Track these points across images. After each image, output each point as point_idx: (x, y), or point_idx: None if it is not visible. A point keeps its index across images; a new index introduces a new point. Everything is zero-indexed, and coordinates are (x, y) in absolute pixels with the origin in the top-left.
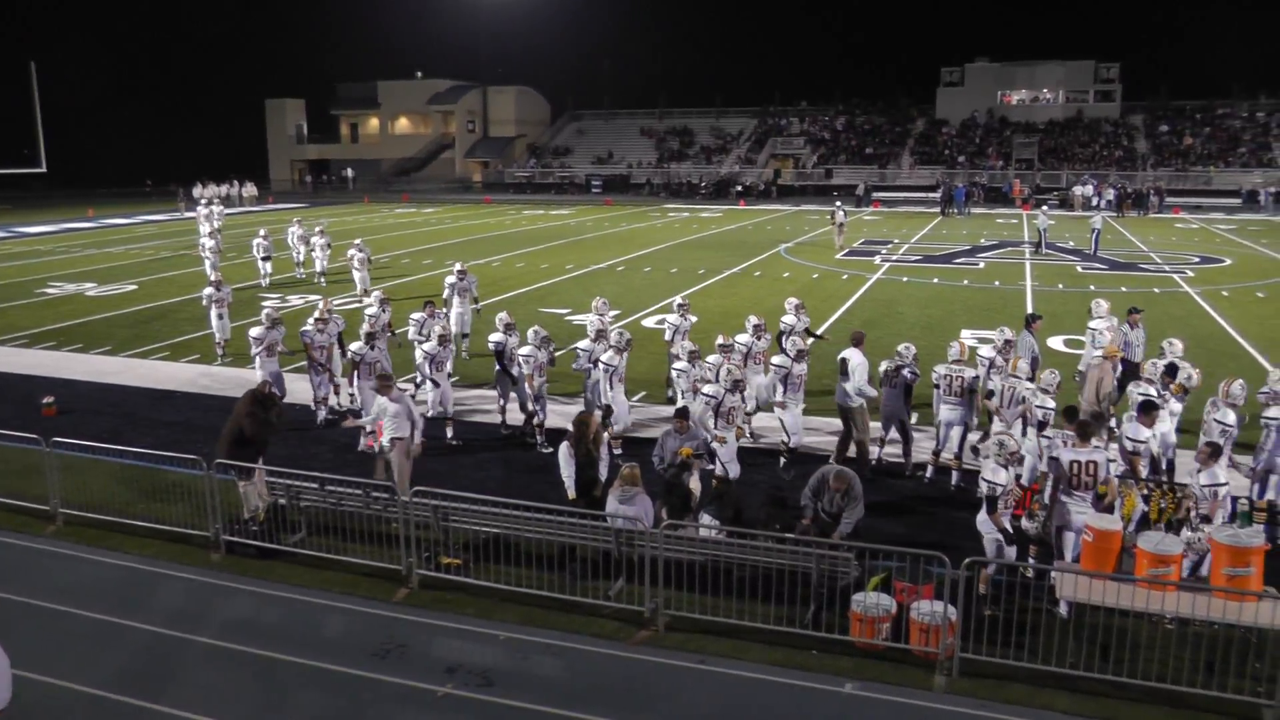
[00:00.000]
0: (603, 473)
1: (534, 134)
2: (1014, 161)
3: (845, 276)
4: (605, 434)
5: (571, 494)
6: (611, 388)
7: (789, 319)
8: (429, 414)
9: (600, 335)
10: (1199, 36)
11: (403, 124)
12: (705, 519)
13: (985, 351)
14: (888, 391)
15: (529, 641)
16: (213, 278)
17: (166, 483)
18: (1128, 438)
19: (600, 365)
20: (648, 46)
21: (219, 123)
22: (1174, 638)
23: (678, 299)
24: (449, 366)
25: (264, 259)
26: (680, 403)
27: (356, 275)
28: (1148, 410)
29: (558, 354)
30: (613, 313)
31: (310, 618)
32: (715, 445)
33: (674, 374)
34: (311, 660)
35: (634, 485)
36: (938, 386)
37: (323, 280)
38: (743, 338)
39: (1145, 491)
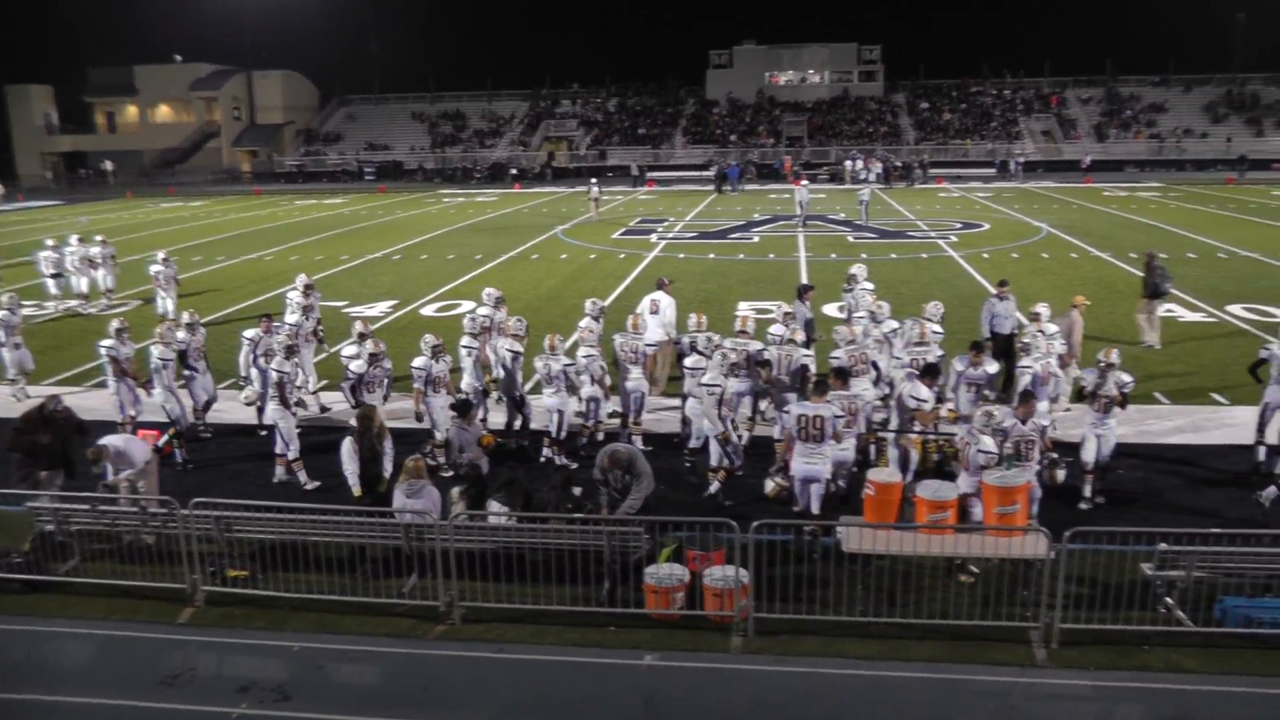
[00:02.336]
0: (387, 468)
1: (303, 120)
2: (784, 139)
3: (622, 255)
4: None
5: (357, 491)
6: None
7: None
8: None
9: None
10: (952, 21)
11: (164, 112)
12: (494, 506)
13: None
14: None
15: (324, 649)
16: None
17: None
18: (910, 396)
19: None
20: (416, 28)
21: None
22: (953, 575)
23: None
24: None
25: (53, 276)
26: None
27: (162, 296)
28: (930, 373)
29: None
30: (390, 302)
31: (88, 651)
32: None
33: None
34: (91, 698)
35: (419, 478)
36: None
37: (111, 303)
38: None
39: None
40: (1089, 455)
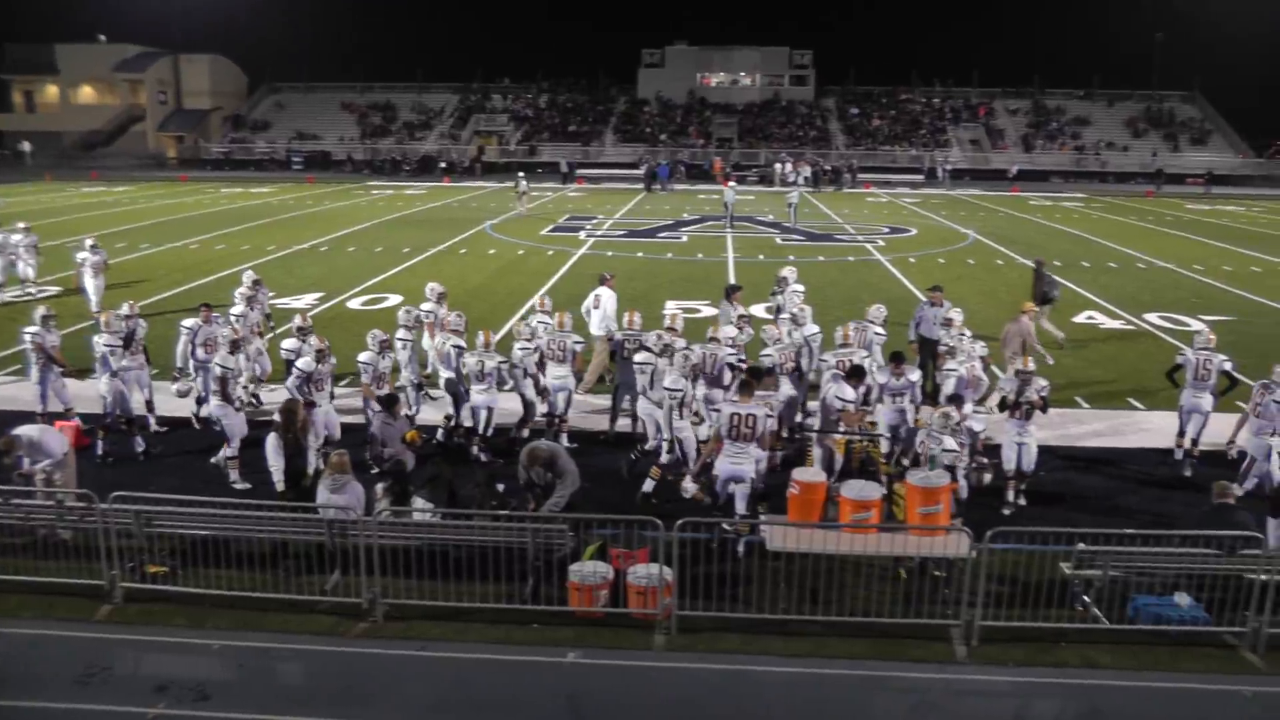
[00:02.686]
0: (312, 462)
1: (231, 107)
2: (714, 140)
3: (550, 252)
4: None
5: (280, 486)
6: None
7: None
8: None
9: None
10: (883, 29)
11: (86, 93)
12: (419, 502)
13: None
14: (622, 364)
15: (245, 647)
16: None
17: None
18: (835, 396)
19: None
20: (346, 16)
21: None
22: (876, 575)
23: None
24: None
25: None
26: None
27: (90, 285)
28: (857, 374)
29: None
30: (316, 295)
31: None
32: (681, 436)
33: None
34: (2, 700)
35: (344, 473)
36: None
37: (34, 290)
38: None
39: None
40: (1010, 463)
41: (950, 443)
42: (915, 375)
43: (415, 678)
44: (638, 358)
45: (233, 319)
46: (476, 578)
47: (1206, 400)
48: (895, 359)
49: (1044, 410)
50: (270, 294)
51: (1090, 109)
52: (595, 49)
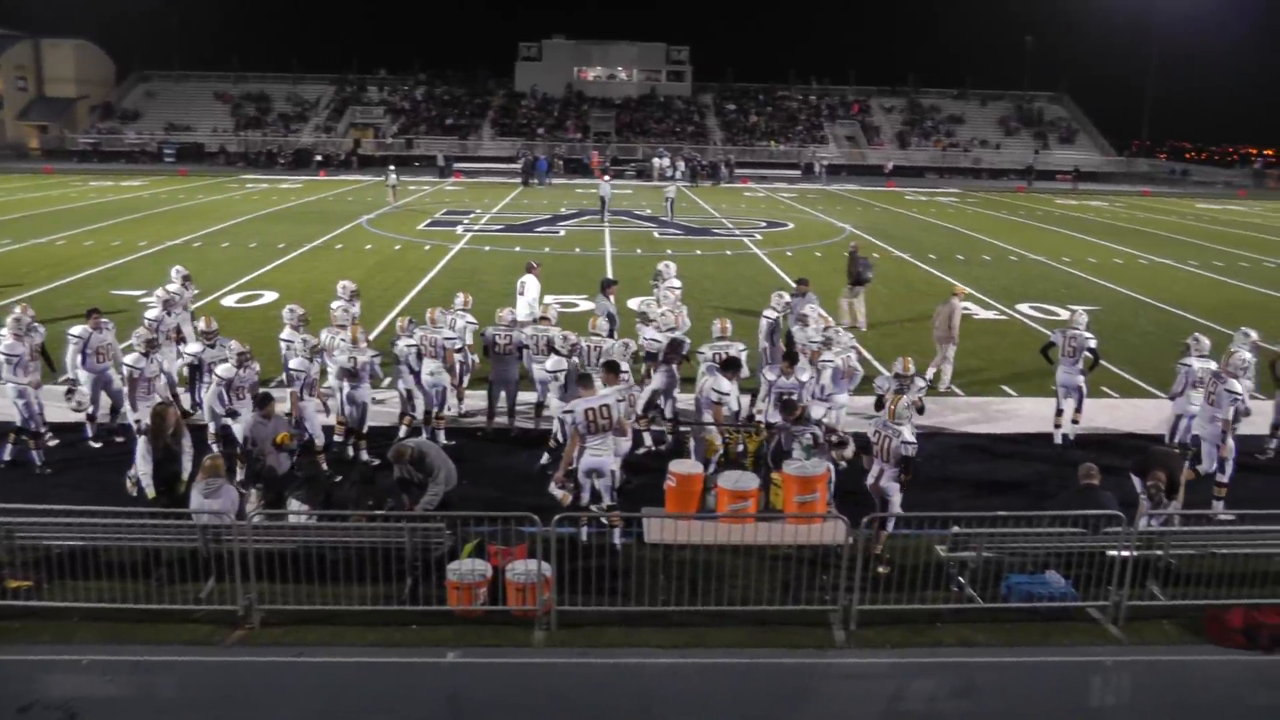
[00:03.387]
0: (186, 466)
1: (98, 95)
2: (592, 134)
3: (428, 247)
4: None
5: (151, 493)
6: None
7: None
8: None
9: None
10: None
11: None
12: (294, 504)
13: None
14: (496, 359)
15: (115, 661)
16: None
17: None
18: (711, 389)
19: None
20: (219, 2)
21: None
22: (755, 564)
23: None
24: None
25: None
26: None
27: None
28: (731, 366)
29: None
30: (191, 291)
31: None
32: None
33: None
34: None
35: (218, 476)
36: (526, 347)
37: None
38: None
39: (725, 436)
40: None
41: (909, 434)
42: (806, 375)
43: (293, 685)
44: (549, 363)
45: (146, 322)
46: (354, 580)
47: (1078, 377)
48: (788, 358)
49: (920, 412)
50: (195, 290)
51: (964, 108)
52: (472, 41)
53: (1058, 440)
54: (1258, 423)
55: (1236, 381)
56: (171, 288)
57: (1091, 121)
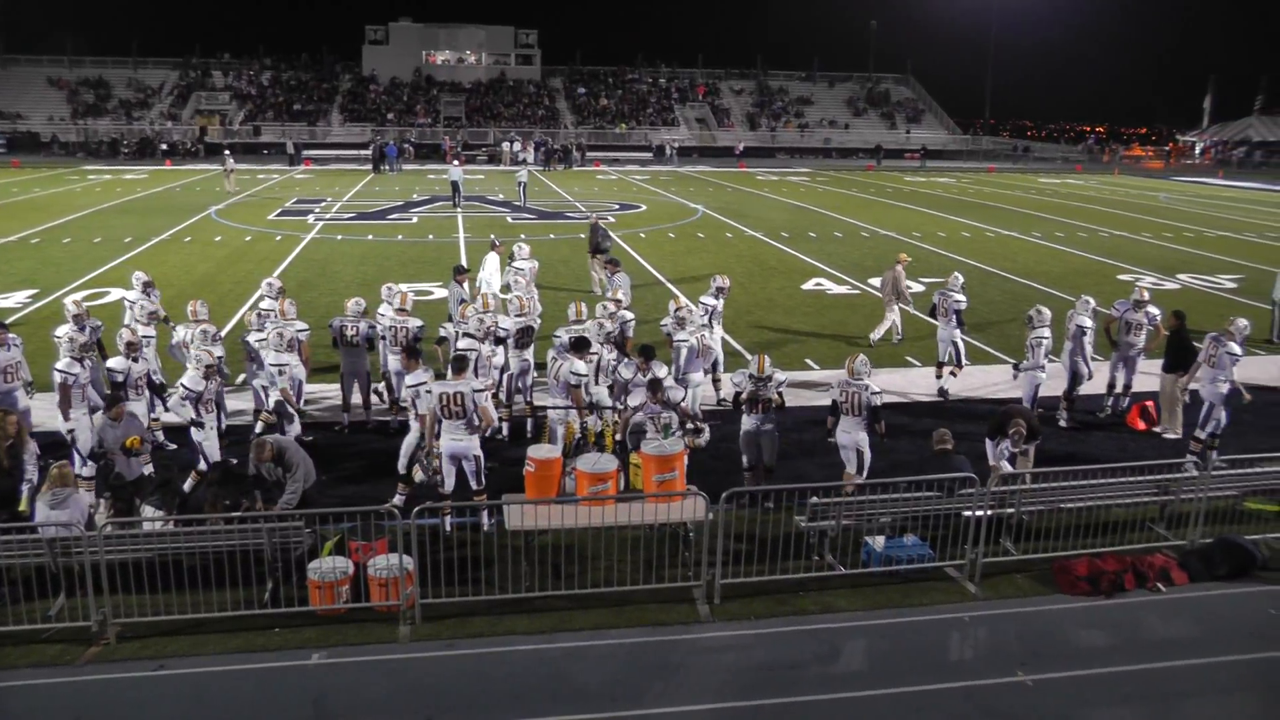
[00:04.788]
0: (30, 476)
1: None
2: (442, 119)
3: (279, 238)
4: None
5: None
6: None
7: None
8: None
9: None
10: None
11: None
12: (148, 511)
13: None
14: (345, 350)
15: None
16: None
17: None
18: (570, 372)
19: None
20: None
21: None
22: (616, 544)
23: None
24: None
25: None
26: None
27: None
28: (581, 347)
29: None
30: (28, 292)
31: None
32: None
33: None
34: None
35: (65, 486)
36: (384, 338)
37: None
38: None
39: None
40: (750, 458)
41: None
42: (663, 371)
43: (154, 700)
44: (460, 344)
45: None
46: (214, 586)
47: (954, 333)
48: (643, 353)
49: (782, 409)
50: (158, 294)
51: (812, 90)
52: (318, 24)
53: (937, 394)
54: (1097, 383)
55: (1235, 344)
56: (132, 295)
57: (937, 102)
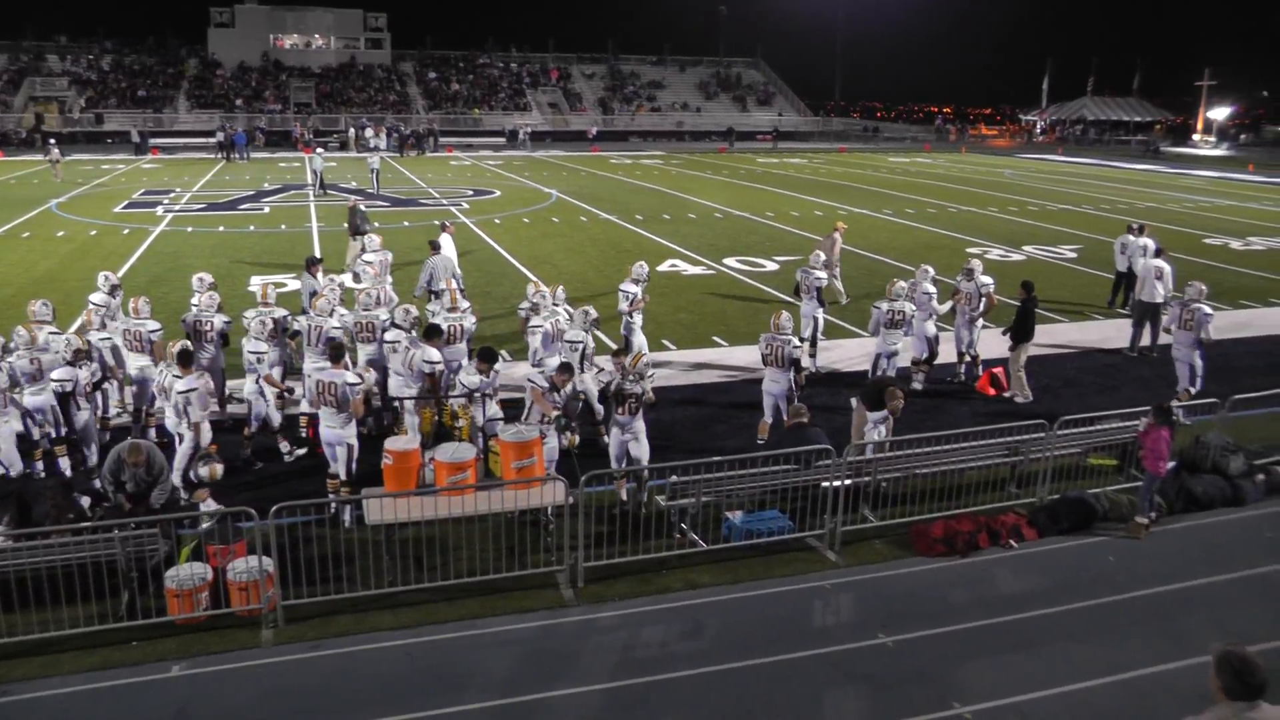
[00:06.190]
0: None
1: None
2: (292, 105)
3: (126, 231)
4: None
5: None
6: None
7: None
8: None
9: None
10: None
11: None
12: None
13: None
14: (200, 346)
15: None
16: None
17: None
18: (423, 361)
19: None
20: None
21: None
22: (479, 533)
23: None
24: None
25: None
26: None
27: None
28: (433, 334)
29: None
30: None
31: None
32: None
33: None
34: None
35: None
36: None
37: None
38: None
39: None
40: (617, 460)
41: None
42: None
43: None
44: (388, 335)
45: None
46: (63, 602)
47: (817, 310)
48: (482, 356)
49: (652, 406)
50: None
51: (664, 73)
52: (160, 5)
53: (807, 364)
54: (948, 352)
55: (1205, 305)
56: (96, 298)
57: (788, 84)
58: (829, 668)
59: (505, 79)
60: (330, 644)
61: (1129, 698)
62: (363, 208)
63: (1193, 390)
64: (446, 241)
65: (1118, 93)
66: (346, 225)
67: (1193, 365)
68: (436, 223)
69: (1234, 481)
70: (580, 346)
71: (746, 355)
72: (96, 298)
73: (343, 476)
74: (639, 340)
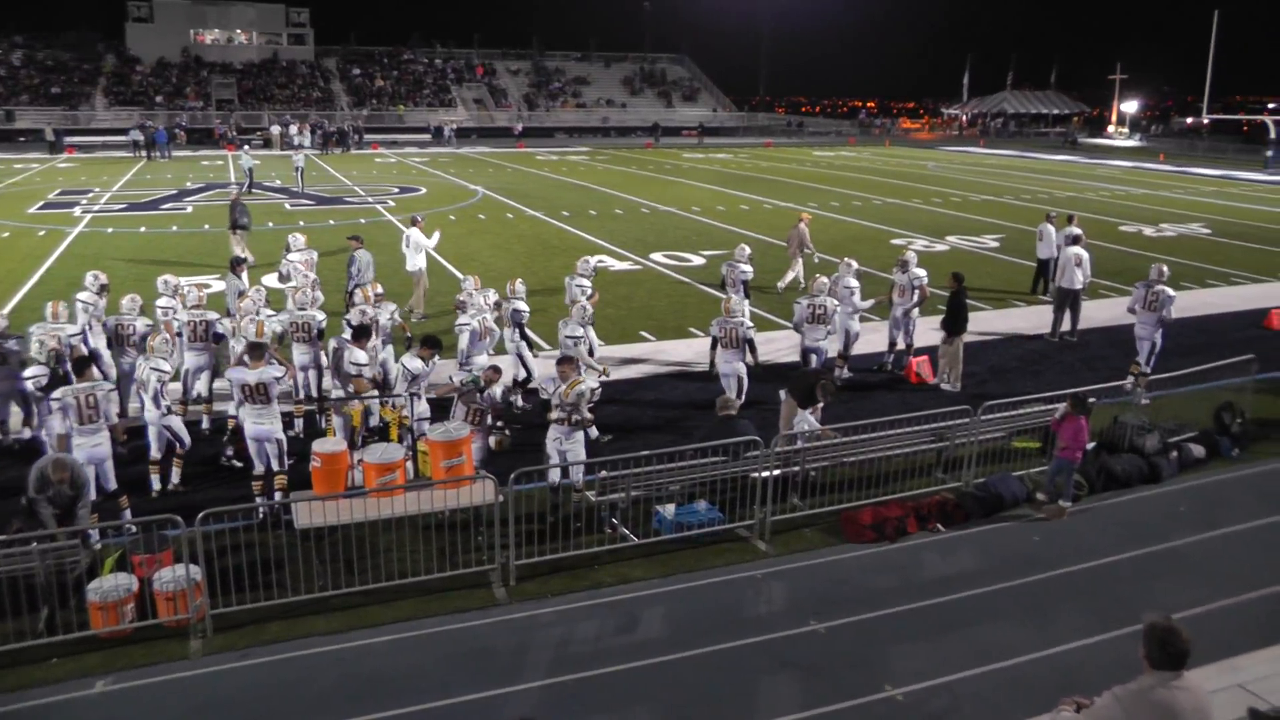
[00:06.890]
0: None
1: None
2: (214, 102)
3: (42, 232)
4: None
5: None
6: None
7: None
8: None
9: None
10: None
11: None
12: None
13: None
14: (123, 353)
15: None
16: None
17: None
18: (350, 361)
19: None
20: None
21: None
22: (409, 534)
23: None
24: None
25: None
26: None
27: None
28: (362, 334)
29: None
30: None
31: None
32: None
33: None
34: None
35: None
36: (180, 335)
37: None
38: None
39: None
40: (556, 473)
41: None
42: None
43: None
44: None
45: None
46: None
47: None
48: (425, 342)
49: (592, 424)
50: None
51: (589, 69)
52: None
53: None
54: (876, 341)
55: (1168, 288)
56: (84, 296)
57: (712, 80)
58: (763, 656)
59: (430, 75)
60: (260, 652)
61: (1058, 672)
62: (244, 202)
63: (1148, 370)
64: (416, 233)
65: (1036, 86)
66: (229, 215)
67: (1153, 343)
68: (369, 220)
69: (1150, 459)
70: (582, 343)
71: (674, 349)
72: (85, 296)
73: (278, 468)
74: (586, 346)
